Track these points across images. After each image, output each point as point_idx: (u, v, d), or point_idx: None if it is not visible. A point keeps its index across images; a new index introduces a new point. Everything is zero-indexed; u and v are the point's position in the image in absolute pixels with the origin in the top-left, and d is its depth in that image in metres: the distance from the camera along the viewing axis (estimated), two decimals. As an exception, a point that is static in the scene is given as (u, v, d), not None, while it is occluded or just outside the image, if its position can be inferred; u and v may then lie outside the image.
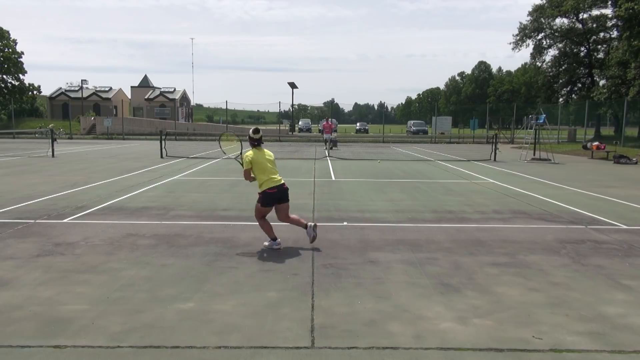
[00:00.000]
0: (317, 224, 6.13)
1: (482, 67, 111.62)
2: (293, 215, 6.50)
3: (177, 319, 4.06)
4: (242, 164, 6.47)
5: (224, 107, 43.27)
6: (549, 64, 45.15)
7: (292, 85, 57.42)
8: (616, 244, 6.72)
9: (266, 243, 6.37)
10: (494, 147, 21.60)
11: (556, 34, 42.75)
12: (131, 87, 73.16)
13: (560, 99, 45.71)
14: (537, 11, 41.93)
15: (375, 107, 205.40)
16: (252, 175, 6.27)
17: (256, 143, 6.34)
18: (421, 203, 9.84)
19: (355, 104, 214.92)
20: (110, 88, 71.35)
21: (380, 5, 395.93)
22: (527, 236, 7.04)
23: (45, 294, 4.58)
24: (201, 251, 6.10)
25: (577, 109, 39.54)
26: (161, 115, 62.77)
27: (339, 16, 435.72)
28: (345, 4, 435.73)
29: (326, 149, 26.17)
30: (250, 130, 6.43)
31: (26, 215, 8.10)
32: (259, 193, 6.29)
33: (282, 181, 6.31)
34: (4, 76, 55.61)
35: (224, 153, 7.57)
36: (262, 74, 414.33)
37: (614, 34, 39.94)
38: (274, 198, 6.23)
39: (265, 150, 6.42)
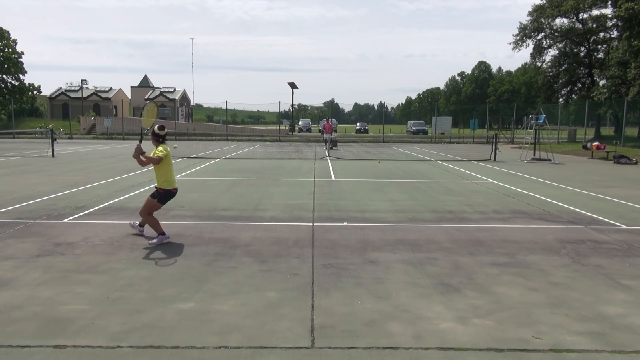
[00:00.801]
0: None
1: (482, 67, 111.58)
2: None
3: (177, 319, 4.06)
4: (140, 138, 6.72)
5: (224, 107, 43.26)
6: (549, 64, 45.16)
7: (292, 85, 57.46)
8: (616, 244, 6.72)
9: (154, 240, 6.40)
10: (494, 147, 21.60)
11: (556, 34, 42.75)
12: (131, 87, 73.19)
13: (560, 99, 45.70)
14: (537, 11, 41.92)
15: (375, 107, 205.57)
16: (145, 165, 6.57)
17: (161, 140, 6.52)
18: (421, 203, 9.84)
19: (355, 104, 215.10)
20: (110, 88, 71.36)
21: (380, 6, 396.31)
22: (527, 236, 7.04)
23: (45, 294, 4.58)
24: (201, 251, 6.10)
25: (577, 109, 39.55)
26: (161, 115, 62.61)
27: (339, 16, 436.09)
28: (344, 4, 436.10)
29: (326, 149, 26.17)
30: (156, 127, 6.54)
31: (26, 215, 8.10)
32: (159, 189, 6.46)
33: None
34: (4, 76, 55.60)
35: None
36: (262, 74, 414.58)
37: (614, 34, 39.94)
38: (171, 198, 6.55)
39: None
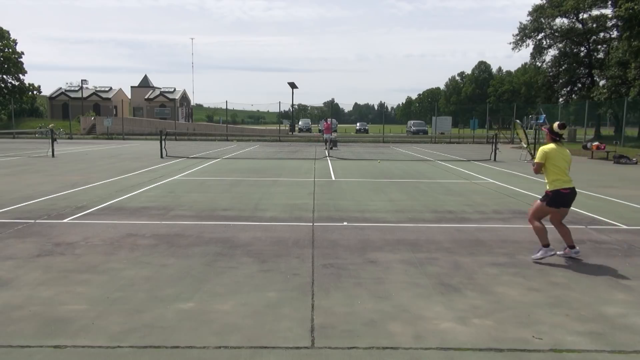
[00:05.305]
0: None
1: (482, 67, 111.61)
2: (565, 227, 5.99)
3: (177, 319, 4.06)
4: (531, 154, 6.21)
5: (224, 107, 43.30)
6: (549, 64, 45.22)
7: (292, 85, 57.49)
8: (616, 244, 6.72)
9: (537, 254, 5.83)
10: (494, 147, 21.60)
11: (556, 34, 42.79)
12: (131, 87, 73.17)
13: (560, 99, 45.73)
14: (537, 11, 41.97)
15: (375, 107, 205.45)
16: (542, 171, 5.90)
17: (557, 138, 5.89)
18: (421, 203, 9.84)
19: (355, 104, 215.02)
20: (110, 88, 71.33)
21: (379, 6, 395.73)
22: (527, 236, 7.03)
23: (45, 294, 4.58)
24: (201, 251, 6.10)
25: (577, 109, 39.56)
26: (161, 115, 62.78)
27: (338, 16, 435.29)
28: (343, 4, 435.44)
29: (326, 149, 26.17)
30: (556, 124, 5.95)
31: (26, 215, 8.10)
32: (548, 191, 5.86)
33: (573, 184, 5.82)
34: (4, 76, 55.63)
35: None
36: (262, 74, 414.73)
37: (614, 34, 39.98)
38: (562, 199, 5.79)
39: (565, 149, 5.94)
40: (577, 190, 5.92)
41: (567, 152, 5.92)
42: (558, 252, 5.95)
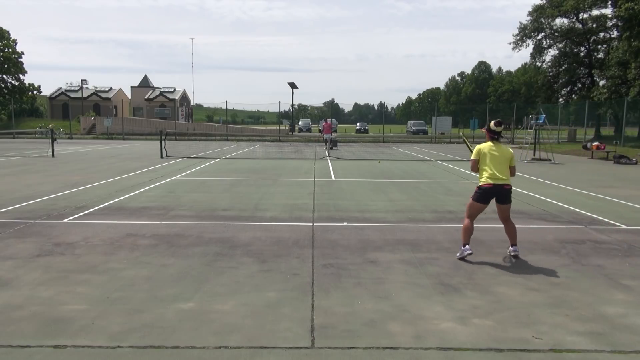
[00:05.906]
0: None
1: (482, 67, 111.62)
2: (512, 223, 6.03)
3: (177, 319, 4.06)
4: (471, 151, 6.26)
5: (224, 107, 43.31)
6: (549, 64, 45.20)
7: (292, 85, 57.51)
8: (616, 244, 6.72)
9: (459, 253, 5.91)
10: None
11: (556, 34, 42.78)
12: (131, 87, 73.19)
13: (560, 99, 45.73)
14: (537, 11, 41.97)
15: (375, 107, 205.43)
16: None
17: (495, 136, 5.95)
18: (421, 203, 9.84)
19: (355, 104, 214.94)
20: (110, 88, 71.33)
21: (379, 6, 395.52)
22: (527, 236, 7.03)
23: (45, 294, 4.58)
24: (201, 251, 6.10)
25: (577, 109, 39.57)
26: (161, 115, 62.81)
27: (337, 16, 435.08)
28: (343, 4, 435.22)
29: (326, 149, 26.17)
30: (492, 122, 6.01)
31: (26, 215, 8.09)
32: (476, 187, 6.03)
33: (506, 181, 5.83)
34: (4, 76, 55.64)
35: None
36: (262, 74, 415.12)
37: (614, 34, 39.98)
38: (485, 195, 5.85)
39: (504, 147, 5.97)
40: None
41: (506, 149, 5.97)
42: (508, 251, 6.05)
